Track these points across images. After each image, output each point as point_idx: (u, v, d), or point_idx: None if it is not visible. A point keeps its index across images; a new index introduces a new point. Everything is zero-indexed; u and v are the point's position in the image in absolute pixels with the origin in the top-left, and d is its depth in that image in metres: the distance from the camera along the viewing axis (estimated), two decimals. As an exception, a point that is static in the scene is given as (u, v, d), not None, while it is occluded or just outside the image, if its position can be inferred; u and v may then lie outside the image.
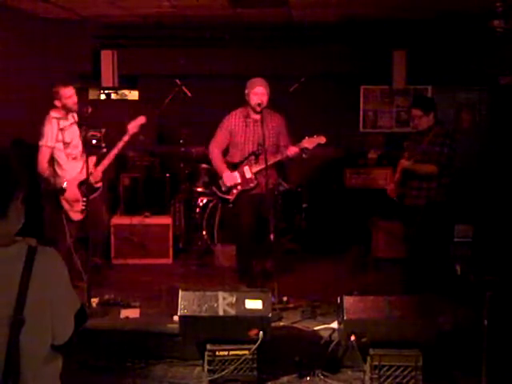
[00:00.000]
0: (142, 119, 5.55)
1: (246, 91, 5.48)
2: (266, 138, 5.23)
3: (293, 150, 5.45)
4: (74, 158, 5.44)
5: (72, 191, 5.39)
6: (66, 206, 5.39)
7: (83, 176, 5.31)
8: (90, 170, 5.21)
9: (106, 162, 5.55)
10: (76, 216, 5.42)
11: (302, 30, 7.91)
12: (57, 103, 5.31)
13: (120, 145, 5.52)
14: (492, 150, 7.97)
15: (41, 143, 5.32)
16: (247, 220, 5.60)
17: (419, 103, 5.53)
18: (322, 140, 5.48)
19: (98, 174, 5.51)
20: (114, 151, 5.54)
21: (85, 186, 5.34)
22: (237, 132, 5.57)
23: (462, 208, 6.18)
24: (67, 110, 5.30)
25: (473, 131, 8.22)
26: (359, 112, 8.46)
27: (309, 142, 5.46)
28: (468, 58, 7.88)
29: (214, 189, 5.80)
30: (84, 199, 5.35)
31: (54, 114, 5.36)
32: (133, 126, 5.52)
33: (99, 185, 5.58)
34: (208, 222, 6.94)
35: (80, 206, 5.39)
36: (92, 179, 5.39)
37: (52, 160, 5.36)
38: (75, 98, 5.31)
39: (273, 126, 5.53)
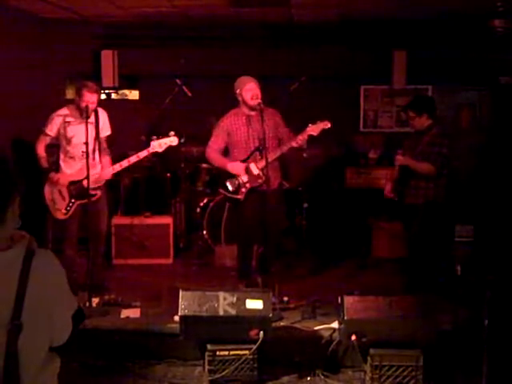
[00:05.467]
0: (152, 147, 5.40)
1: (238, 91, 5.40)
2: (265, 131, 5.16)
3: (299, 140, 5.30)
4: (72, 158, 5.39)
5: (53, 186, 5.37)
6: (48, 200, 5.38)
7: (77, 177, 5.32)
8: (87, 174, 5.11)
9: (112, 170, 5.45)
10: (57, 214, 5.40)
11: (302, 29, 7.91)
12: (76, 98, 5.33)
13: (129, 161, 5.41)
14: (492, 150, 7.97)
15: (43, 129, 5.41)
16: (252, 219, 5.51)
17: (412, 105, 5.54)
18: (327, 125, 5.31)
19: (95, 180, 5.33)
20: (118, 167, 5.43)
21: (74, 187, 5.35)
22: (235, 131, 5.47)
23: (462, 208, 6.18)
24: (82, 110, 5.25)
25: (473, 131, 8.22)
26: (359, 112, 8.47)
27: (313, 129, 5.30)
28: (468, 58, 7.88)
29: (221, 191, 5.64)
30: (72, 200, 5.36)
31: (63, 110, 5.40)
32: (156, 146, 5.39)
33: (95, 192, 5.37)
34: (208, 222, 6.93)
35: (63, 205, 5.38)
36: (87, 183, 5.21)
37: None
38: (94, 106, 5.32)
39: (269, 119, 5.40)
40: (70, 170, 5.42)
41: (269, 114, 5.46)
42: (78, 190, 5.35)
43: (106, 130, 5.57)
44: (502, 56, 7.67)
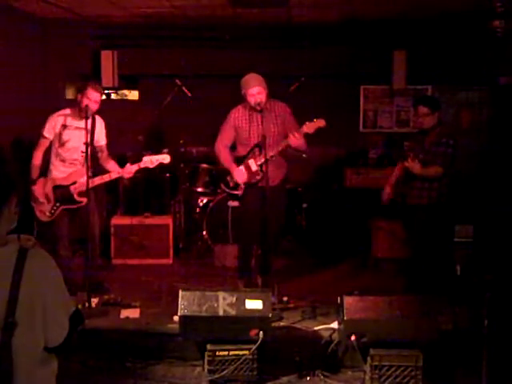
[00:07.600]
0: (133, 168, 5.41)
1: (243, 91, 5.39)
2: (270, 129, 5.25)
3: (295, 136, 5.25)
4: (62, 161, 5.36)
5: (40, 189, 5.32)
6: (32, 200, 5.34)
7: (64, 182, 5.30)
8: (75, 180, 5.19)
9: (96, 182, 5.34)
10: (41, 216, 5.35)
11: (302, 29, 7.91)
12: (78, 97, 5.27)
13: (112, 175, 5.40)
14: (492, 150, 7.97)
15: (41, 132, 5.37)
16: (252, 216, 5.49)
17: (427, 101, 5.44)
18: (322, 123, 5.27)
19: (81, 187, 5.24)
20: (107, 177, 5.38)
21: (60, 191, 5.32)
22: (242, 127, 5.47)
23: (462, 208, 6.17)
24: (82, 110, 5.18)
25: (473, 131, 8.22)
26: (359, 112, 8.46)
27: (309, 127, 5.27)
28: (468, 58, 7.88)
29: (222, 186, 5.70)
30: (57, 204, 5.32)
31: (64, 111, 5.37)
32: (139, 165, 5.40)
33: (82, 199, 5.29)
34: (208, 222, 6.93)
35: (48, 208, 5.33)
36: (73, 190, 5.27)
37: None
38: (97, 105, 5.28)
39: (277, 115, 5.43)
40: (59, 173, 5.38)
41: (278, 109, 5.49)
42: (63, 194, 5.32)
43: (101, 140, 5.53)
44: (501, 56, 7.67)
